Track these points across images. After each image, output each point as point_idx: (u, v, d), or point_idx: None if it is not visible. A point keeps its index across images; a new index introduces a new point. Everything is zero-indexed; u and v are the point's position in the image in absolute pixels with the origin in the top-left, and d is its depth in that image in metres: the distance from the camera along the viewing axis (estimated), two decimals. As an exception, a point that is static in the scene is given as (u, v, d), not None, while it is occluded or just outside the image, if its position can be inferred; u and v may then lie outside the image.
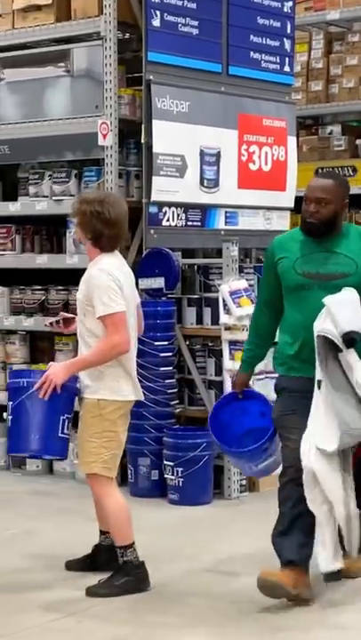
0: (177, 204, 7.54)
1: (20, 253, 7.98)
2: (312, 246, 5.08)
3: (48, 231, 8.08)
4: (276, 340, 5.28)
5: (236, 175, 7.97)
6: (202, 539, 6.24)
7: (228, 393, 5.78)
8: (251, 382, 6.78)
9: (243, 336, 6.66)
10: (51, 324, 5.83)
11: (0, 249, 8.00)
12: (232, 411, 5.50)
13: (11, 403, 5.30)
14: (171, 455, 6.97)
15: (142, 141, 7.37)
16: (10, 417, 5.31)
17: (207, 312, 7.52)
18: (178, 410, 7.46)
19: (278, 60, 8.31)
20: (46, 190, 7.72)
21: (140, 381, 5.42)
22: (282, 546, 5.05)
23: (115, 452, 5.26)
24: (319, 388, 4.88)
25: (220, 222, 7.89)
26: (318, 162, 10.02)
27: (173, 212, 7.52)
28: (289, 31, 8.40)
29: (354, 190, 9.44)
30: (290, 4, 8.39)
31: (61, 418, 5.21)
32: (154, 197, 7.36)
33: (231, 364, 6.95)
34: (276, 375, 5.29)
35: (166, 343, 7.24)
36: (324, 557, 4.92)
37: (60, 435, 5.22)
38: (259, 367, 6.04)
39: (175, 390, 7.38)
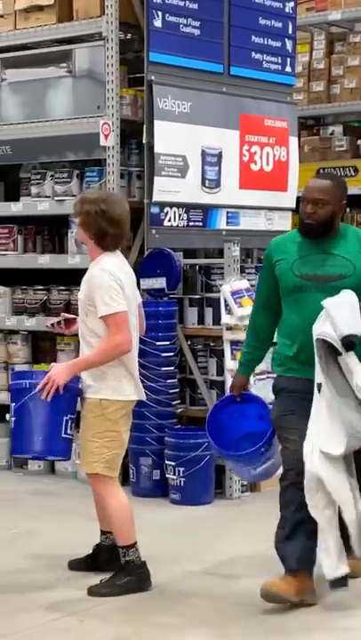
0: (178, 205, 7.54)
1: (22, 253, 7.98)
2: (310, 248, 5.05)
3: (50, 231, 8.09)
4: (275, 340, 5.26)
5: (238, 175, 7.98)
6: (203, 538, 6.25)
7: (226, 396, 5.74)
8: (252, 382, 6.83)
9: (244, 336, 6.63)
10: (52, 325, 5.82)
11: (2, 249, 8.01)
12: (230, 414, 5.46)
13: (13, 404, 5.29)
14: (172, 455, 6.98)
15: (144, 142, 7.38)
16: (13, 418, 5.31)
17: (209, 312, 7.53)
18: (179, 410, 7.47)
19: (280, 61, 8.32)
20: (48, 190, 7.73)
21: (141, 381, 5.42)
22: (285, 552, 5.02)
23: (117, 451, 5.26)
24: (319, 391, 4.85)
25: (221, 222, 7.90)
26: (320, 162, 10.02)
27: (175, 213, 7.53)
28: (290, 32, 8.41)
29: (355, 191, 9.57)
30: (291, 4, 8.40)
31: (64, 418, 5.21)
32: (155, 198, 7.37)
33: (233, 363, 6.95)
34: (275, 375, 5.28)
35: (168, 343, 7.24)
36: (329, 564, 4.88)
37: (63, 435, 5.22)
38: (260, 367, 6.06)
39: (177, 390, 7.39)
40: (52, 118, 7.62)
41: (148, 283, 7.32)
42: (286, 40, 8.36)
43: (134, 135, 7.52)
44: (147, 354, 6.94)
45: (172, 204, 7.50)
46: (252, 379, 6.82)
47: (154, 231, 7.42)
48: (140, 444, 7.08)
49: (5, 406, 6.98)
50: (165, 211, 7.47)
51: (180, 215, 7.57)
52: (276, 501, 5.09)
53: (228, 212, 7.94)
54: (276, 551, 5.06)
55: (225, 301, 7.10)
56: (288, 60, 8.41)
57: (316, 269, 5.00)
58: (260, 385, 6.76)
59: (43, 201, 7.72)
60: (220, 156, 7.81)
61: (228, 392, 6.81)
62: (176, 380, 7.39)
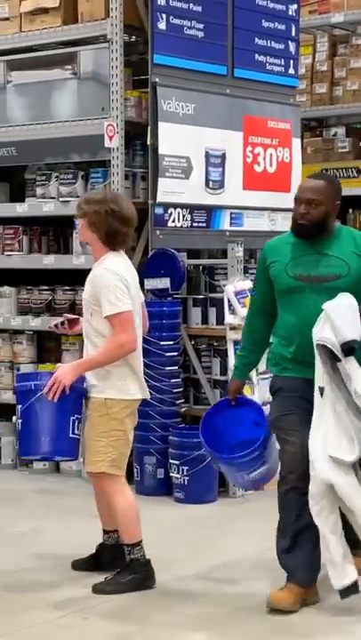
0: (182, 206, 7.58)
1: (27, 254, 8.01)
2: (303, 249, 4.99)
3: (55, 232, 8.11)
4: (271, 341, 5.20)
5: (241, 177, 8.01)
6: (207, 537, 6.26)
7: (222, 399, 5.65)
8: (256, 381, 6.87)
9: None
10: (55, 325, 5.81)
11: (8, 249, 8.04)
12: (225, 418, 5.38)
13: (20, 406, 5.28)
14: (176, 454, 7.01)
15: (148, 143, 7.42)
16: (20, 420, 5.29)
17: (212, 312, 7.56)
18: (183, 409, 7.50)
19: (283, 63, 8.36)
20: (53, 191, 7.76)
21: (146, 380, 5.42)
22: (288, 564, 4.98)
23: (122, 450, 5.27)
24: (322, 395, 4.78)
25: (225, 223, 7.93)
26: (323, 163, 10.04)
27: (179, 213, 7.57)
28: (294, 34, 8.45)
29: (358, 192, 9.60)
30: (295, 6, 8.44)
31: (71, 418, 5.20)
32: (160, 198, 7.40)
33: (236, 363, 6.98)
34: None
35: (172, 343, 7.28)
36: (337, 575, 4.80)
37: (70, 435, 5.21)
38: (263, 367, 6.06)
39: (181, 389, 7.41)
40: (57, 120, 7.66)
41: (153, 283, 7.35)
42: (289, 42, 8.40)
43: (139, 137, 7.55)
44: (151, 353, 6.96)
45: (176, 205, 7.54)
46: (255, 378, 6.89)
47: (158, 232, 7.45)
48: (144, 442, 7.11)
49: (10, 405, 7.01)
50: (169, 211, 7.50)
51: (183, 216, 7.60)
52: (278, 500, 5.07)
53: (231, 213, 7.97)
54: (279, 561, 5.03)
55: (228, 301, 7.13)
56: (291, 62, 8.45)
57: (310, 270, 4.94)
58: (264, 385, 6.76)
59: (48, 202, 7.75)
60: (223, 157, 7.85)
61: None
62: (180, 380, 7.41)
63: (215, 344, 7.58)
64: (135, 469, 7.20)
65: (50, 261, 7.84)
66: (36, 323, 7.88)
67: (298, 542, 4.95)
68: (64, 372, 5.18)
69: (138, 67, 7.69)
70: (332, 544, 4.79)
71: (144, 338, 5.55)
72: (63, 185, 7.69)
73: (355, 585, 4.82)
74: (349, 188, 9.70)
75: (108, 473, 5.24)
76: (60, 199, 7.68)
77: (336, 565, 4.80)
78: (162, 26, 7.39)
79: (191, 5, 7.58)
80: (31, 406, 5.21)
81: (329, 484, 4.73)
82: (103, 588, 5.22)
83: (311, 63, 10.42)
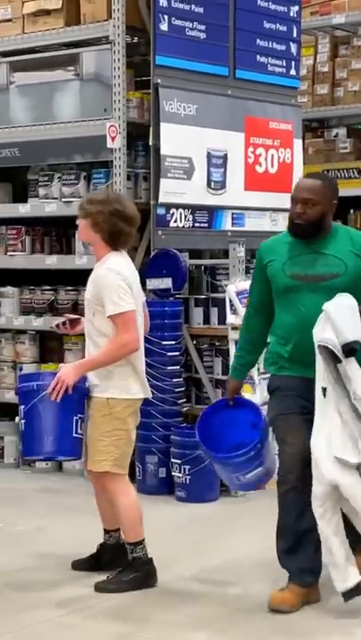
0: (184, 206, 7.61)
1: (29, 254, 8.04)
2: (300, 248, 4.98)
3: (57, 232, 8.13)
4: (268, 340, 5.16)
5: (243, 177, 8.04)
6: (209, 536, 6.27)
7: (219, 400, 5.64)
8: (257, 381, 6.89)
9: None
10: (57, 325, 5.81)
11: (10, 250, 8.07)
12: (222, 420, 5.33)
13: (23, 407, 5.27)
14: (178, 453, 7.02)
15: (150, 144, 7.44)
16: (23, 421, 5.28)
17: (214, 312, 7.59)
18: (185, 408, 7.52)
19: (284, 64, 8.38)
20: (56, 192, 7.79)
21: (148, 380, 5.43)
22: (289, 566, 4.98)
23: (125, 449, 5.27)
24: (325, 395, 4.74)
25: (226, 223, 7.96)
26: (324, 164, 10.06)
27: (181, 214, 7.59)
28: (295, 35, 8.48)
29: (358, 192, 9.62)
30: (296, 8, 8.47)
31: (74, 418, 5.21)
32: (161, 199, 7.43)
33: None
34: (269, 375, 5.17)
35: (174, 343, 7.29)
36: (340, 578, 4.77)
37: (74, 435, 5.22)
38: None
39: (182, 389, 7.43)
40: (60, 121, 7.68)
41: (155, 283, 7.37)
42: (291, 43, 8.43)
43: (141, 137, 7.58)
44: (153, 353, 6.98)
45: (177, 206, 7.56)
46: (256, 378, 6.92)
47: (160, 232, 7.48)
48: (146, 442, 7.12)
49: (13, 405, 7.03)
50: (171, 212, 7.53)
51: (185, 216, 7.62)
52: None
53: (233, 214, 8.00)
54: (279, 561, 5.03)
55: (230, 301, 7.15)
56: (293, 63, 8.48)
57: (307, 269, 4.92)
58: (265, 384, 6.77)
59: (50, 202, 7.78)
60: (225, 158, 7.88)
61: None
62: (182, 379, 7.43)
63: (217, 344, 7.60)
64: (137, 468, 7.21)
65: (52, 262, 7.86)
66: (38, 323, 7.91)
67: (299, 544, 4.93)
68: (67, 372, 5.19)
69: (140, 68, 7.72)
70: (334, 546, 4.77)
71: (146, 338, 5.57)
72: (66, 185, 7.72)
73: (358, 587, 4.80)
74: (351, 189, 9.74)
75: (112, 472, 5.24)
76: (63, 200, 7.71)
77: (339, 568, 4.78)
78: (164, 27, 7.42)
79: (193, 7, 7.61)
80: (34, 406, 5.21)
81: (334, 485, 4.71)
82: (105, 586, 5.23)
83: (312, 64, 10.44)
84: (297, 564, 4.97)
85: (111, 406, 5.21)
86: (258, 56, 8.17)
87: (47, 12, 7.72)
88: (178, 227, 7.57)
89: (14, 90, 7.99)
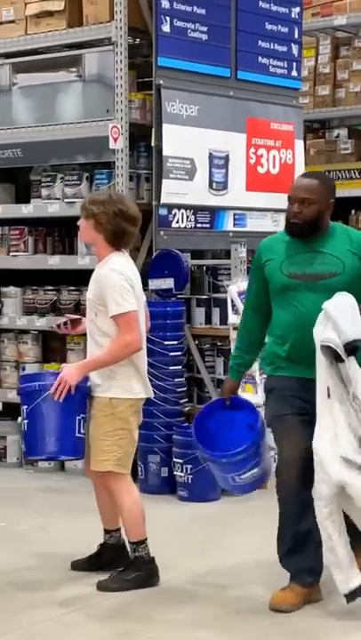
0: (186, 207, 7.63)
1: (32, 254, 8.06)
2: (298, 247, 4.95)
3: (60, 233, 8.15)
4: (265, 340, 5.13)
5: (245, 178, 8.06)
6: (211, 535, 6.28)
7: (216, 400, 5.59)
8: (259, 380, 6.91)
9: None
10: (58, 325, 5.82)
11: (13, 250, 8.08)
12: (219, 422, 5.29)
13: (25, 407, 5.27)
14: (180, 453, 7.04)
15: (152, 145, 7.46)
16: (25, 421, 5.28)
17: (216, 312, 7.62)
18: (187, 408, 7.53)
19: (286, 65, 8.41)
20: (58, 193, 7.81)
21: (150, 380, 5.44)
22: (290, 566, 4.99)
23: (128, 449, 5.28)
24: (329, 395, 4.70)
25: (228, 224, 7.98)
26: (325, 165, 10.09)
27: (183, 214, 7.62)
28: (297, 36, 8.50)
29: (359, 193, 9.65)
30: (297, 9, 8.49)
31: (77, 418, 5.21)
32: (164, 200, 7.45)
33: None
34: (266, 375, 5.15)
35: (176, 343, 7.31)
36: (343, 579, 4.76)
37: (77, 435, 5.22)
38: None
39: (184, 389, 7.46)
40: (63, 122, 7.69)
41: (157, 283, 7.38)
42: (292, 45, 8.45)
43: (143, 138, 7.60)
44: (155, 353, 7.00)
45: (179, 206, 7.59)
46: (258, 378, 6.94)
47: (162, 232, 7.50)
48: (148, 441, 7.13)
49: (15, 405, 7.04)
50: (173, 212, 7.55)
51: (187, 217, 7.65)
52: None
53: (235, 214, 8.02)
54: (280, 562, 5.03)
55: (232, 301, 7.17)
56: (294, 64, 8.50)
57: (305, 268, 4.89)
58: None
59: (53, 203, 7.79)
60: (227, 158, 7.90)
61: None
62: (184, 379, 7.45)
63: (219, 344, 7.63)
64: (139, 468, 7.23)
65: (55, 262, 7.88)
66: (41, 323, 7.92)
67: (299, 545, 4.93)
68: (70, 372, 5.20)
69: (142, 69, 7.74)
70: (339, 547, 4.75)
71: (148, 338, 5.57)
72: (68, 186, 7.73)
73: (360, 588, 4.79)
74: (352, 190, 9.78)
75: (115, 472, 5.25)
76: (65, 200, 7.72)
77: (343, 569, 4.76)
78: (166, 28, 7.44)
79: (195, 8, 7.63)
80: (37, 407, 5.21)
81: (341, 486, 4.67)
82: (108, 585, 5.25)
83: (314, 65, 10.47)
84: (297, 564, 4.97)
85: (114, 406, 5.22)
86: (259, 57, 8.20)
87: (50, 14, 7.74)
88: (180, 227, 7.60)
89: (17, 91, 8.00)
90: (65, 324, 5.75)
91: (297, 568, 4.98)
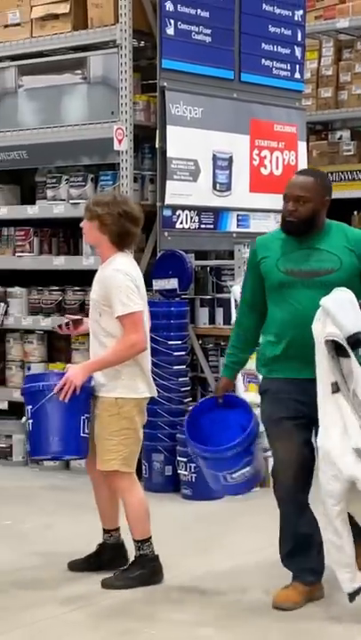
0: (190, 208, 7.66)
1: (37, 255, 8.09)
2: (294, 244, 4.90)
3: (65, 233, 8.18)
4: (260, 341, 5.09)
5: (248, 179, 8.10)
6: (214, 533, 6.29)
7: (208, 398, 5.57)
8: (260, 379, 6.94)
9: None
10: (59, 326, 5.82)
11: (19, 251, 8.12)
12: (213, 421, 5.26)
13: (30, 407, 5.27)
14: (184, 451, 7.04)
15: (157, 146, 7.50)
16: (30, 421, 5.28)
17: (219, 312, 7.65)
18: (191, 407, 7.57)
19: (289, 67, 8.44)
20: (63, 194, 7.84)
21: (154, 379, 5.45)
22: (291, 566, 4.99)
23: (133, 448, 5.29)
24: (335, 390, 4.63)
25: (232, 225, 8.01)
26: (328, 166, 10.10)
27: (187, 215, 7.65)
28: (300, 39, 8.54)
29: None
30: (300, 12, 8.53)
31: (82, 418, 5.22)
32: (168, 201, 7.49)
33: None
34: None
35: (180, 342, 7.34)
36: (348, 578, 4.72)
37: (82, 435, 5.23)
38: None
39: (188, 388, 7.48)
40: (68, 124, 7.73)
41: (161, 283, 7.41)
42: (295, 47, 8.49)
43: (147, 140, 7.63)
44: (159, 353, 7.02)
45: (183, 207, 7.62)
46: (260, 376, 6.97)
47: (166, 233, 7.53)
48: (152, 440, 7.15)
49: (21, 404, 7.05)
50: (177, 213, 7.58)
51: (191, 218, 7.68)
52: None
53: (238, 215, 8.06)
54: (282, 562, 5.04)
55: (235, 302, 7.17)
56: (297, 66, 8.54)
57: (301, 265, 4.85)
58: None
59: (58, 204, 7.83)
60: (230, 160, 7.93)
61: (238, 390, 6.95)
62: (187, 379, 7.48)
63: (222, 343, 7.63)
64: (143, 467, 7.25)
65: (60, 262, 7.91)
66: (46, 323, 7.95)
67: (300, 547, 4.94)
68: (75, 372, 5.20)
69: (146, 71, 7.78)
70: (347, 546, 4.70)
71: (152, 337, 5.60)
72: (73, 187, 7.76)
73: None
74: (354, 191, 9.81)
75: (120, 471, 5.27)
76: (70, 201, 7.75)
77: (350, 567, 4.73)
78: (170, 31, 7.48)
79: (199, 11, 7.67)
80: (42, 407, 5.22)
81: (353, 481, 4.59)
82: (112, 582, 5.26)
83: (317, 68, 10.49)
84: (299, 565, 4.98)
85: (120, 406, 5.23)
86: (263, 60, 8.23)
87: (55, 17, 7.77)
88: (184, 228, 7.63)
89: (22, 93, 8.03)
90: (66, 324, 5.76)
91: (298, 569, 4.99)
